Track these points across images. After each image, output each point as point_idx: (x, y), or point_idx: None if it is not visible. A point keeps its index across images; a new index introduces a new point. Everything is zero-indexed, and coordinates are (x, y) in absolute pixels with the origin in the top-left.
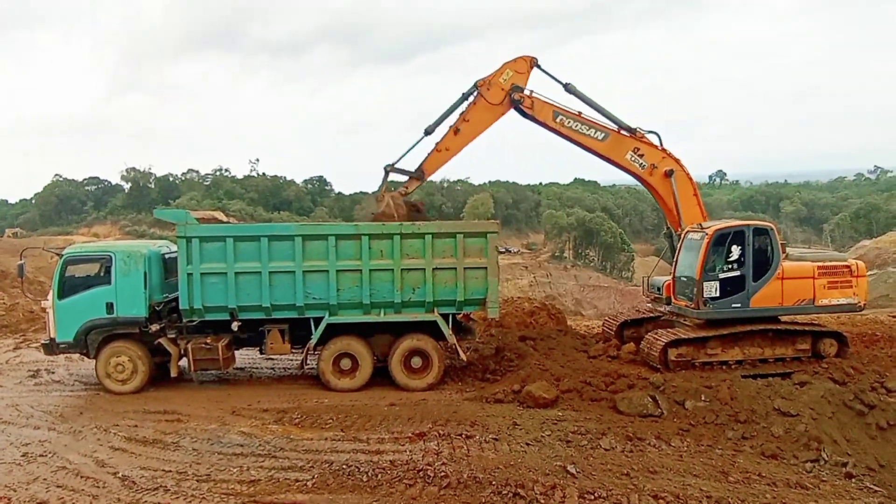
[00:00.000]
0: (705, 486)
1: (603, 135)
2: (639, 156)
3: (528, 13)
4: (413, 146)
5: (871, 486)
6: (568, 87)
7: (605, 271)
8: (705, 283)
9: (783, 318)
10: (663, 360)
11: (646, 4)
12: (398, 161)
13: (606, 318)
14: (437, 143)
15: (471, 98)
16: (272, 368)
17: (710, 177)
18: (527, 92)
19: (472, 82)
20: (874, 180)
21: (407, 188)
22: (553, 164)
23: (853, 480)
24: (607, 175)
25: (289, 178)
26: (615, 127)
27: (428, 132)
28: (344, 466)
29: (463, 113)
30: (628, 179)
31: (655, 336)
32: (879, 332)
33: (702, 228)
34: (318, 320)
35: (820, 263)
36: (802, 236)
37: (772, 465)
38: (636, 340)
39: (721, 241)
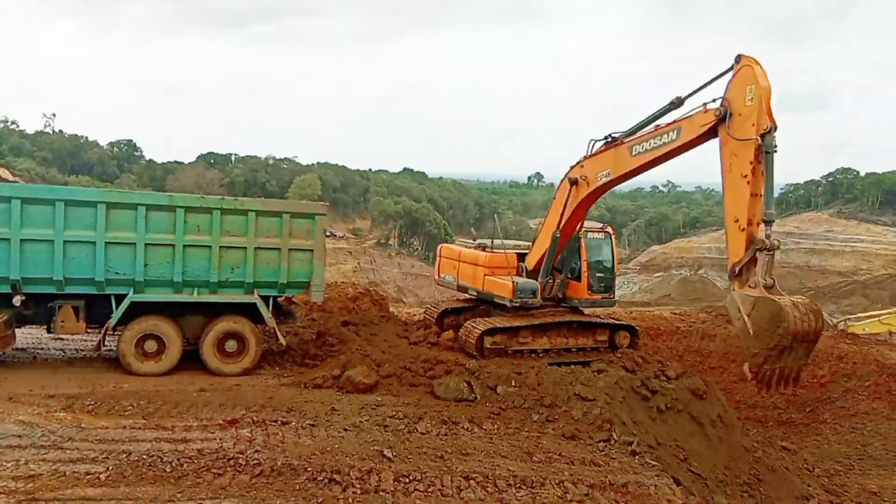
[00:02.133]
0: (512, 466)
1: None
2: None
3: None
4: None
5: (650, 462)
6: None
7: (428, 261)
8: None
9: (586, 311)
10: (479, 347)
11: (486, 5)
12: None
13: (428, 305)
14: None
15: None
16: (62, 350)
17: (529, 178)
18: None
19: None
20: (666, 192)
21: None
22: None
23: (636, 457)
24: (435, 167)
25: (91, 139)
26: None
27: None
28: (144, 457)
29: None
30: (456, 172)
31: (473, 324)
32: (663, 327)
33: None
34: (120, 297)
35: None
36: None
37: (571, 446)
38: (455, 328)
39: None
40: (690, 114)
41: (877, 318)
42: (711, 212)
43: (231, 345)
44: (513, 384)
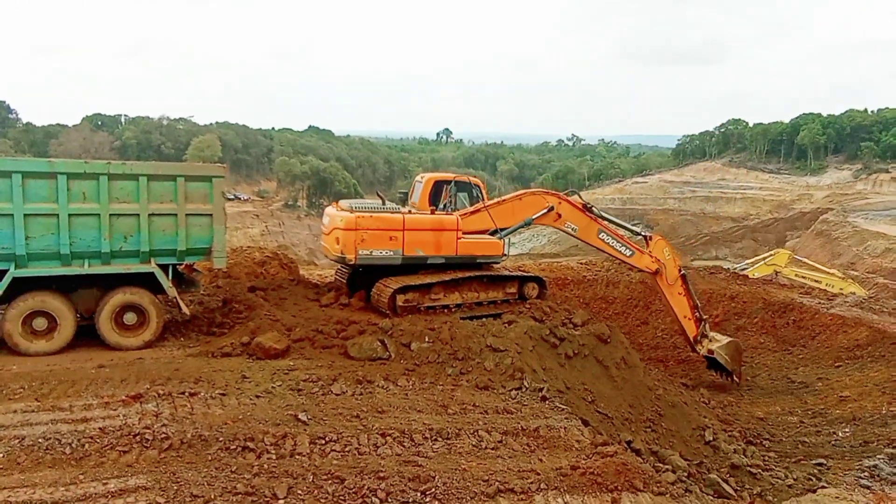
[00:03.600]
0: (428, 420)
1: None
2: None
3: None
4: None
5: (559, 406)
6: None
7: None
8: None
9: (495, 266)
10: (392, 305)
11: None
12: None
13: (339, 267)
14: None
15: None
16: None
17: (438, 134)
18: None
19: None
20: (571, 146)
21: None
22: (286, 109)
23: (547, 402)
24: (342, 125)
25: None
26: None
27: None
28: (40, 440)
29: None
30: (365, 130)
31: (385, 283)
32: (570, 277)
33: None
34: (0, 273)
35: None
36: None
37: (484, 396)
38: (367, 288)
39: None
40: (646, 251)
41: (762, 262)
42: (613, 164)
43: (130, 317)
44: (426, 340)
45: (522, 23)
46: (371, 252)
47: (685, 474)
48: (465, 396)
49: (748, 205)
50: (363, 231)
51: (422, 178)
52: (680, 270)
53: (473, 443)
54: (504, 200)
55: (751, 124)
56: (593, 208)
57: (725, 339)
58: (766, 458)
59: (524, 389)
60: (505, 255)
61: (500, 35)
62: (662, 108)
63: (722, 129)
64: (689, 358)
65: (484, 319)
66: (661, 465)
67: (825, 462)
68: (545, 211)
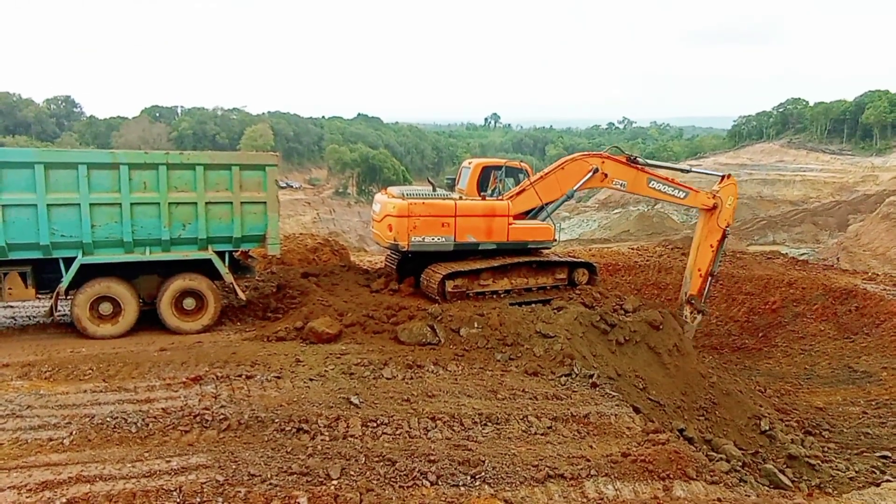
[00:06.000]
0: (477, 405)
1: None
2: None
3: None
4: None
5: (610, 393)
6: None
7: None
8: None
9: (545, 252)
10: (441, 291)
11: None
12: None
13: (389, 253)
14: None
15: None
16: (13, 318)
17: (486, 119)
18: None
19: None
20: (623, 129)
21: None
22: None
23: (597, 389)
24: (390, 113)
25: (25, 97)
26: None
27: None
28: (108, 419)
29: None
30: (412, 117)
31: (434, 269)
32: (621, 263)
33: None
34: (69, 261)
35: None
36: None
37: (534, 382)
38: (416, 274)
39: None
40: (702, 190)
41: None
42: (666, 147)
43: (189, 302)
44: (475, 326)
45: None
46: (423, 239)
47: (739, 464)
48: (515, 382)
49: (808, 187)
50: (416, 218)
51: (469, 163)
52: (727, 227)
53: (523, 428)
54: (547, 174)
55: (811, 103)
56: (638, 159)
57: (696, 326)
58: (826, 449)
59: (574, 376)
60: (555, 240)
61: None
62: (717, 89)
63: (780, 109)
64: (745, 345)
65: (533, 305)
66: (714, 453)
67: (890, 455)
68: (590, 175)
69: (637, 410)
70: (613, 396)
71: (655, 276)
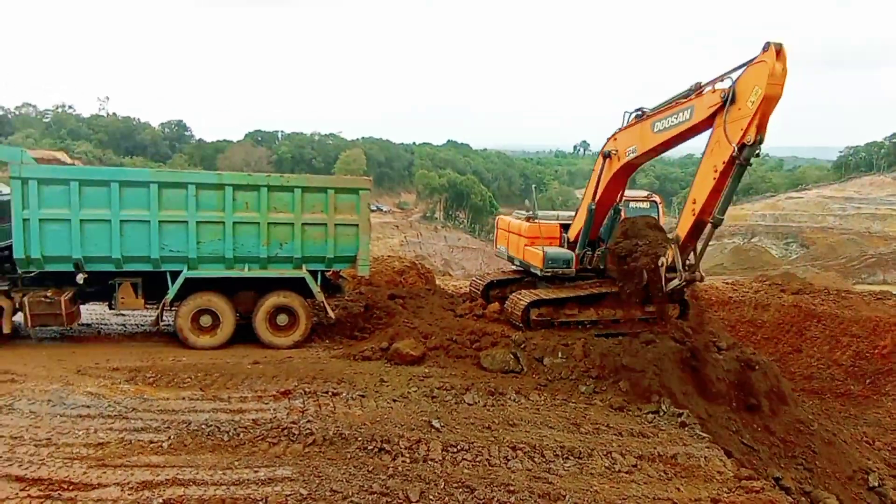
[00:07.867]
0: (559, 437)
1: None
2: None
3: None
4: None
5: (700, 434)
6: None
7: (473, 233)
8: None
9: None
10: (525, 319)
11: None
12: None
13: (473, 278)
14: None
15: None
16: (123, 325)
17: (575, 147)
18: None
19: None
20: None
21: None
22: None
23: (686, 429)
24: (480, 140)
25: (143, 121)
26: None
27: None
28: (203, 426)
29: None
30: (501, 144)
31: (518, 296)
32: (714, 297)
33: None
34: (175, 274)
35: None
36: None
37: (619, 417)
38: (501, 300)
39: None
40: (703, 93)
41: None
42: (764, 178)
43: (282, 319)
44: (559, 356)
45: (659, 29)
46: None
47: None
48: (599, 416)
49: None
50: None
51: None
52: (742, 144)
53: (606, 464)
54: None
55: None
56: (645, 109)
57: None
58: None
59: (662, 413)
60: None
61: (640, 41)
62: (820, 117)
63: (894, 140)
64: (850, 392)
65: (620, 338)
66: None
67: None
68: (603, 163)
69: (729, 454)
70: (703, 438)
71: (751, 312)
